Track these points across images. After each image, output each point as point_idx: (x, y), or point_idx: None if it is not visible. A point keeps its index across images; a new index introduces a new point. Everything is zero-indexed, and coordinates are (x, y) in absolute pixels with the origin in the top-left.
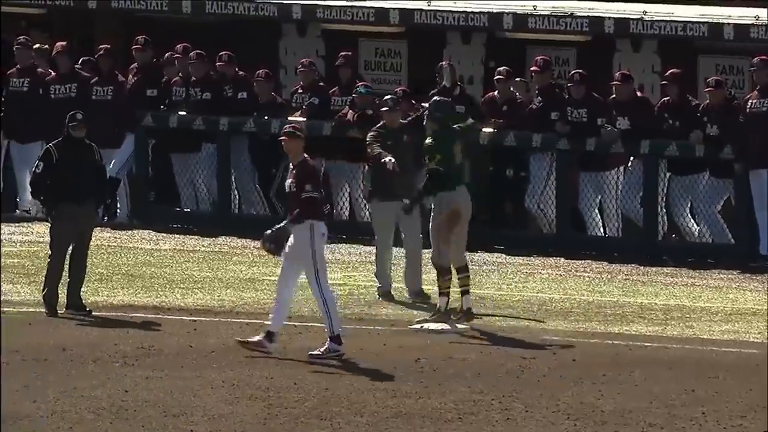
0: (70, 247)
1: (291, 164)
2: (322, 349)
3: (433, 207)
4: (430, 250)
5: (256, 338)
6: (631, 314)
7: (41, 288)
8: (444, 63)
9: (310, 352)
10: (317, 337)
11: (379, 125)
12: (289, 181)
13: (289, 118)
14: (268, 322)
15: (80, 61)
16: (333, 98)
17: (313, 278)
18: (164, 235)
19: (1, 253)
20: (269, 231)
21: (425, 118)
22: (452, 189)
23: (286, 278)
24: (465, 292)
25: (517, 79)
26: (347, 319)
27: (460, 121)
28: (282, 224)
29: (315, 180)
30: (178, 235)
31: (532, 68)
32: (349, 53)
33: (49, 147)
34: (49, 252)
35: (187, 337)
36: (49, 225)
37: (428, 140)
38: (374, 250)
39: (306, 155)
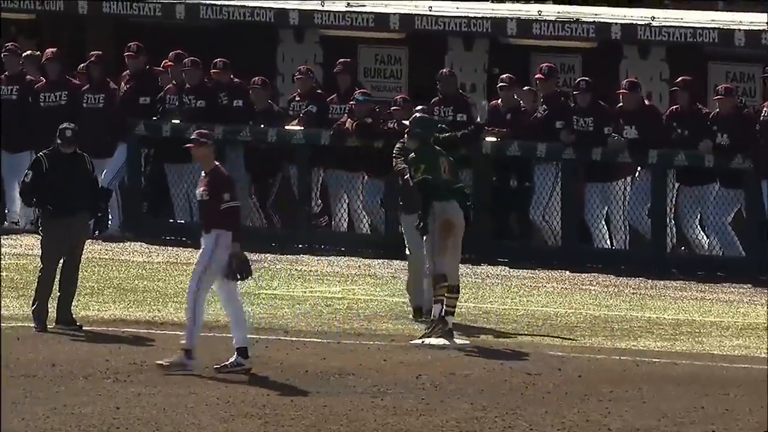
0: (61, 261)
1: (203, 172)
2: (171, 359)
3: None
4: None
5: (231, 361)
6: (638, 329)
7: (30, 302)
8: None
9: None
10: (316, 353)
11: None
12: (200, 189)
13: (287, 127)
14: (233, 339)
15: (79, 68)
16: (331, 106)
17: (195, 280)
18: (157, 247)
19: (1, 267)
20: (228, 269)
21: (405, 134)
22: (443, 199)
23: (219, 292)
24: (450, 313)
25: (525, 87)
26: (346, 333)
27: (445, 141)
28: (230, 251)
29: (232, 188)
30: (171, 248)
31: (536, 75)
32: (348, 60)
33: (40, 156)
34: (40, 265)
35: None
36: (40, 237)
37: (411, 155)
38: (374, 263)
39: (218, 163)
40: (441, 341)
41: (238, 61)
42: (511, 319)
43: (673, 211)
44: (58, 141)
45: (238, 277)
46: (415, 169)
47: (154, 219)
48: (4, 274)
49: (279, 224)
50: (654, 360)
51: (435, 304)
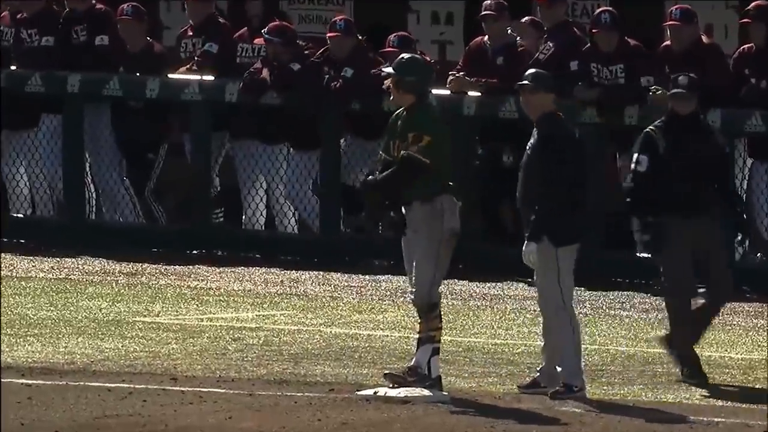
0: None
1: None
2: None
3: (409, 222)
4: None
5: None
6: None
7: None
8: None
9: None
10: (218, 409)
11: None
12: None
13: (173, 76)
14: None
15: None
16: (240, 46)
17: None
18: None
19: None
20: None
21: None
22: (451, 193)
23: None
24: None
25: (525, 18)
26: (263, 381)
27: None
28: None
29: None
30: (4, 255)
31: None
32: None
33: (651, 131)
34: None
35: (17, 409)
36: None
37: (401, 117)
38: (304, 277)
39: None
40: (402, 392)
41: None
42: (505, 359)
43: (744, 199)
44: (673, 93)
45: None
46: (413, 138)
47: None
48: None
49: (163, 219)
50: (716, 420)
51: (424, 344)
